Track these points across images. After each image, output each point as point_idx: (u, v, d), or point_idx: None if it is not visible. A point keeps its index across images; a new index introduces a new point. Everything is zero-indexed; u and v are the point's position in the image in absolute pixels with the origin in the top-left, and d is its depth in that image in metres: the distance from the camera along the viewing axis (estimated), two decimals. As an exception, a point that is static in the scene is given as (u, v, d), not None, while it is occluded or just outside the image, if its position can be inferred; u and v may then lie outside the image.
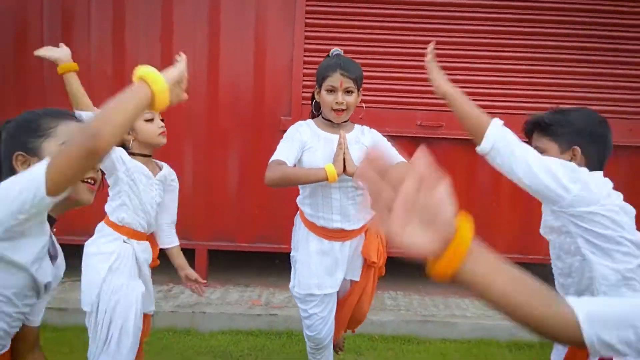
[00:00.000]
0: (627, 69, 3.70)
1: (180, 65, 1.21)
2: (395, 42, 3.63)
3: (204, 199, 3.65)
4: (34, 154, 1.17)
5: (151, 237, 2.03)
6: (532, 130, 1.63)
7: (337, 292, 2.25)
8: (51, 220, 1.21)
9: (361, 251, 2.19)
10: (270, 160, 2.02)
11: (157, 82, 1.08)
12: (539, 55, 3.68)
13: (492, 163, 1.51)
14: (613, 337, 0.65)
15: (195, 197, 3.63)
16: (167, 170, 2.07)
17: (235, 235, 3.70)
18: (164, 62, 3.44)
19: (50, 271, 1.20)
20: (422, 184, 0.59)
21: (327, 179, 1.95)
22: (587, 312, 0.66)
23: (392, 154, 2.09)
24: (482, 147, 1.51)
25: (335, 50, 2.19)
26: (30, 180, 1.00)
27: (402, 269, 3.87)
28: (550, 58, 3.69)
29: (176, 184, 2.10)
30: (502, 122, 1.54)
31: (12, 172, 1.15)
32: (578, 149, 1.53)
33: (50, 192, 0.99)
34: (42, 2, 3.60)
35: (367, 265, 2.22)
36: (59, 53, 1.91)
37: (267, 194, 3.59)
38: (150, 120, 1.92)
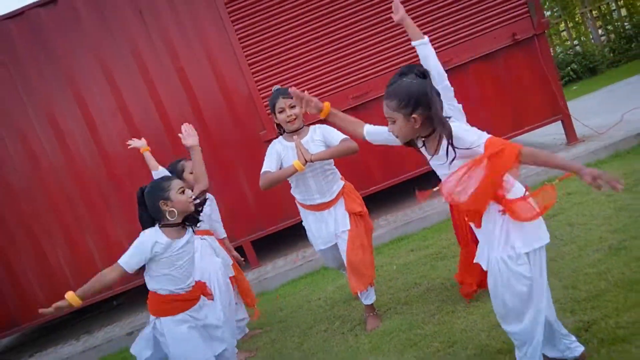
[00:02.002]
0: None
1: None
2: (313, 50, 5.00)
3: (231, 208, 5.05)
4: (168, 199, 2.50)
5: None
6: None
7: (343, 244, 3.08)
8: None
9: (345, 209, 3.08)
10: (261, 172, 2.98)
11: None
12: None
13: None
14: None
15: (226, 209, 5.03)
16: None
17: (264, 224, 5.13)
18: (159, 112, 4.90)
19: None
20: None
21: (296, 170, 2.89)
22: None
23: (336, 135, 2.98)
24: None
25: (275, 87, 3.21)
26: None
27: (386, 202, 5.33)
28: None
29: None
30: None
31: (160, 211, 2.49)
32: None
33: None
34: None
35: (353, 215, 3.10)
36: (141, 143, 3.47)
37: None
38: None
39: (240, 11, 4.93)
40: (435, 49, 5.10)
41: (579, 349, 2.09)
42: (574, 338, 2.11)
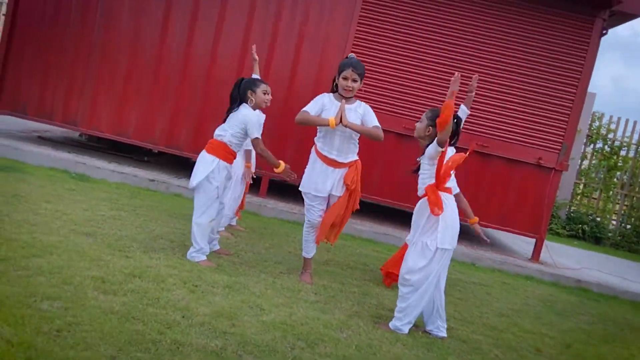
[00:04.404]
0: (540, 114, 6.17)
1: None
2: (400, 74, 6.22)
3: (275, 146, 6.18)
4: (254, 92, 3.68)
5: None
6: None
7: (328, 203, 3.58)
8: None
9: (344, 178, 3.50)
10: (301, 110, 3.38)
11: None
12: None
13: None
14: None
15: (271, 143, 6.23)
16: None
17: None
18: (266, 60, 6.16)
19: None
20: None
21: (328, 125, 3.30)
22: None
23: (374, 119, 3.43)
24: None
25: (351, 54, 3.56)
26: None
27: (385, 216, 6.49)
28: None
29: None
30: None
31: (246, 97, 3.65)
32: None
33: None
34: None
35: (347, 188, 3.54)
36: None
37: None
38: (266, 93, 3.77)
39: (367, 17, 6.21)
40: (478, 132, 6.33)
41: (443, 334, 3.21)
42: (445, 326, 3.22)
